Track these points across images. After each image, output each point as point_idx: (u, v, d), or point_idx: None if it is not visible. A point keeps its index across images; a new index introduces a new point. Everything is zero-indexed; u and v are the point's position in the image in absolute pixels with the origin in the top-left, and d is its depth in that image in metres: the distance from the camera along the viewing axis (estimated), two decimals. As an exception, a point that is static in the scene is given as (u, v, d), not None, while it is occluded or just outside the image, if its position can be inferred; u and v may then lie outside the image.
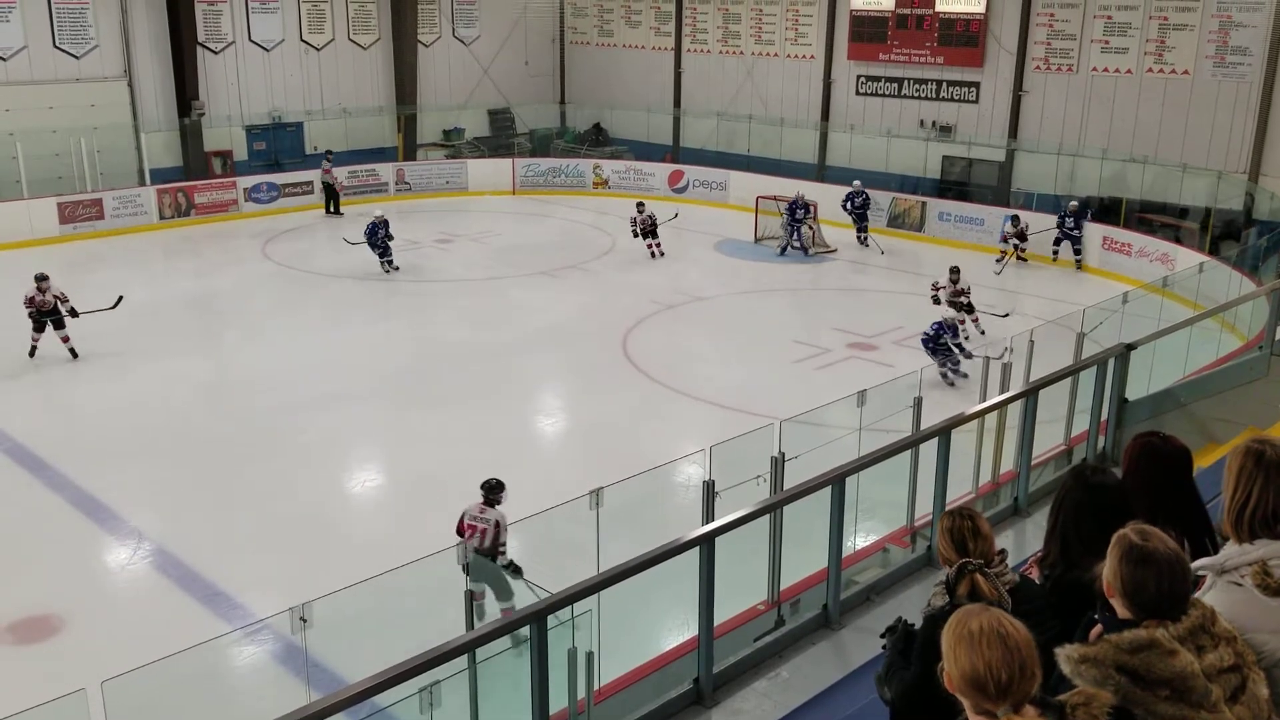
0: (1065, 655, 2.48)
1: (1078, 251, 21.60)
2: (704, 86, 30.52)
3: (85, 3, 24.90)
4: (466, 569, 7.96)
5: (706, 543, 5.18)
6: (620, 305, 18.83)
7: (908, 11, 25.79)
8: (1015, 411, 7.72)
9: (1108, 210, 22.51)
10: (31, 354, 15.55)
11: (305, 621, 5.33)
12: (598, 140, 31.88)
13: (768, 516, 6.41)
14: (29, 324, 15.62)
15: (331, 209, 26.19)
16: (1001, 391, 9.01)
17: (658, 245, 21.78)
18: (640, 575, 4.91)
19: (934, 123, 25.95)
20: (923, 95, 26.13)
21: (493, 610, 8.61)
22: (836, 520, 6.22)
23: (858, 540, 8.65)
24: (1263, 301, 13.91)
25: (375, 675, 4.01)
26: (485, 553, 8.49)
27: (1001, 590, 3.30)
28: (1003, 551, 3.59)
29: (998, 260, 21.18)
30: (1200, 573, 2.99)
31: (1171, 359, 9.79)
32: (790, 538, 6.80)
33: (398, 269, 20.76)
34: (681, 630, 6.86)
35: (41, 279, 15.69)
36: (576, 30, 33.57)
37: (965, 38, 25.07)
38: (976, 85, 25.22)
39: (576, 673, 5.19)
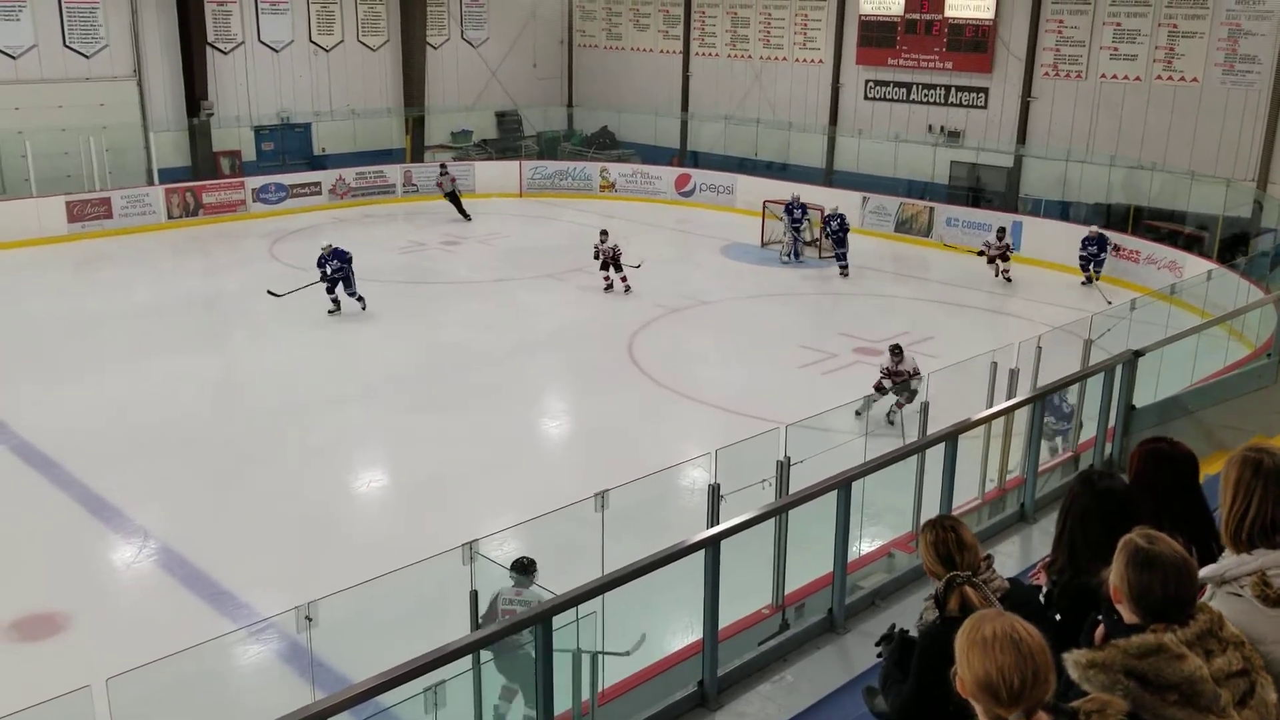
0: (1073, 661, 2.47)
1: (1098, 272, 20.77)
2: (712, 90, 30.52)
3: (95, 2, 24.96)
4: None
5: (712, 546, 5.17)
6: (626, 308, 18.84)
7: (917, 16, 25.78)
8: (1021, 418, 7.71)
9: (1116, 217, 22.47)
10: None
11: (310, 620, 5.33)
12: (605, 143, 31.90)
13: (772, 520, 6.40)
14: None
15: (462, 215, 25.93)
16: (1009, 397, 9.00)
17: (622, 279, 19.53)
18: (643, 579, 4.91)
19: (942, 128, 25.93)
20: (931, 100, 26.11)
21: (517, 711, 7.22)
22: (842, 524, 6.21)
23: (862, 545, 8.64)
24: (1271, 309, 13.91)
25: (380, 675, 4.00)
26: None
27: (993, 599, 3.28)
28: (989, 557, 3.58)
29: (987, 261, 21.07)
30: (1201, 582, 2.98)
31: (1179, 366, 9.77)
32: (793, 542, 6.79)
33: (362, 305, 17.99)
34: (685, 634, 6.86)
35: None
36: (585, 33, 33.60)
37: (974, 43, 25.06)
38: (985, 91, 25.19)
39: (581, 674, 5.18)
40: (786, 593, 6.89)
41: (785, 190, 23.91)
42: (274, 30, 27.93)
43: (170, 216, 24.60)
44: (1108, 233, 21.02)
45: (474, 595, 6.84)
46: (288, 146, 28.28)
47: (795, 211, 22.77)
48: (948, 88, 25.82)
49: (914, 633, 3.55)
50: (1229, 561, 2.97)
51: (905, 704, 3.35)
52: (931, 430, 7.65)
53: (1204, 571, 2.99)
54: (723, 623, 5.40)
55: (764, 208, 24.07)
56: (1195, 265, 19.29)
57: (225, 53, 27.17)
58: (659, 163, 29.78)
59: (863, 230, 24.54)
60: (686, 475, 10.48)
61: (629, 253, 20.02)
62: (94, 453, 12.54)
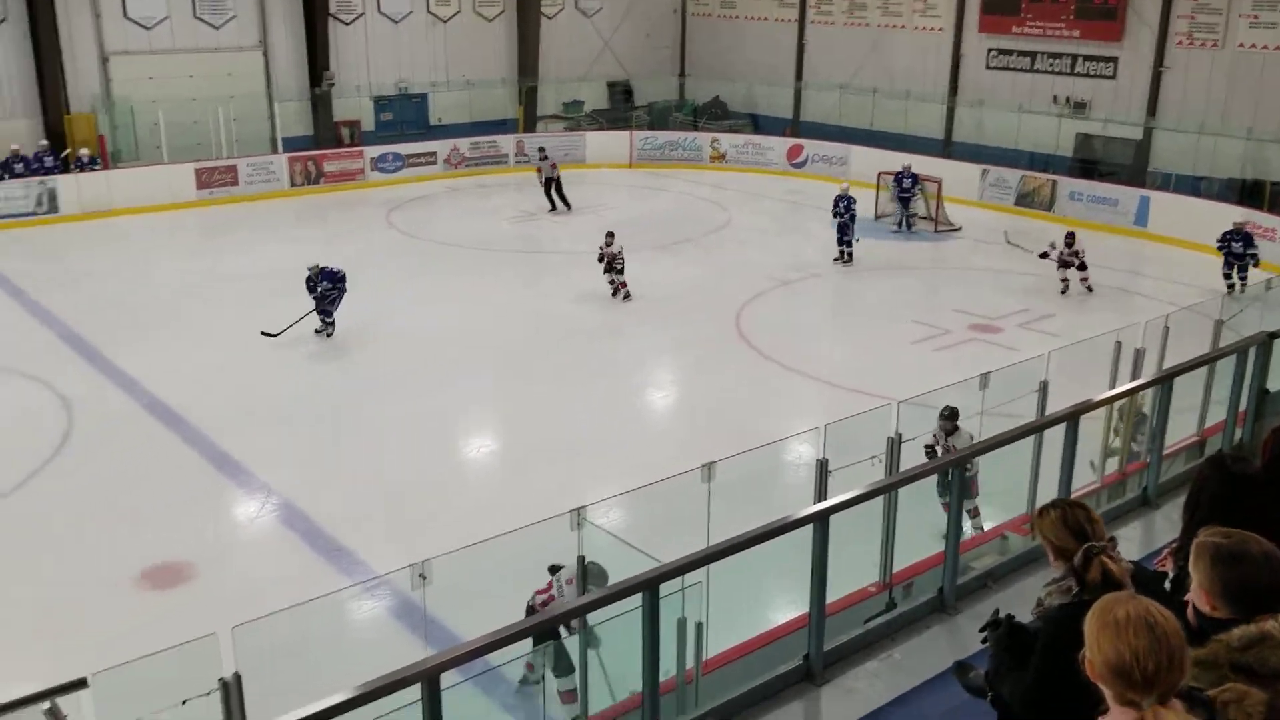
0: None
1: (1243, 276, 17.68)
2: (827, 59, 29.99)
3: (224, -26, 25.82)
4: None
5: (820, 520, 5.14)
6: (735, 280, 18.73)
7: (1043, -17, 24.88)
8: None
9: (1250, 193, 21.41)
10: None
11: (425, 579, 5.46)
12: (716, 113, 31.66)
13: (881, 498, 6.31)
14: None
15: (560, 204, 24.08)
16: (1133, 379, 8.69)
17: (624, 285, 17.72)
18: (747, 552, 4.89)
19: (1068, 99, 25.01)
20: (1057, 70, 25.19)
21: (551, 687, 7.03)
22: (955, 503, 6.11)
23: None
24: None
25: (490, 634, 4.09)
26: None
27: (1126, 578, 3.15)
28: (1113, 539, 3.44)
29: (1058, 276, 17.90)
30: None
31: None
32: (901, 521, 6.69)
33: (328, 332, 15.85)
34: (789, 608, 6.83)
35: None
36: (699, 2, 33.32)
37: (1104, 10, 24.06)
38: (1115, 60, 24.19)
39: (686, 642, 5.21)
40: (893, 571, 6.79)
41: (899, 162, 23.40)
42: (393, 1, 28.43)
43: (293, 184, 25.35)
44: (1244, 214, 19.39)
45: (581, 560, 6.91)
46: (405, 116, 28.83)
47: (905, 181, 22.31)
48: (1075, 57, 24.86)
49: (1023, 621, 3.43)
50: None
51: (1027, 691, 3.15)
52: (1050, 411, 7.43)
53: None
54: (828, 599, 5.36)
55: (878, 179, 23.60)
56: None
57: (346, 24, 27.78)
58: (771, 133, 29.44)
59: (981, 203, 24.01)
60: (792, 450, 10.41)
61: (747, 221, 19.76)
62: (220, 412, 13.05)
